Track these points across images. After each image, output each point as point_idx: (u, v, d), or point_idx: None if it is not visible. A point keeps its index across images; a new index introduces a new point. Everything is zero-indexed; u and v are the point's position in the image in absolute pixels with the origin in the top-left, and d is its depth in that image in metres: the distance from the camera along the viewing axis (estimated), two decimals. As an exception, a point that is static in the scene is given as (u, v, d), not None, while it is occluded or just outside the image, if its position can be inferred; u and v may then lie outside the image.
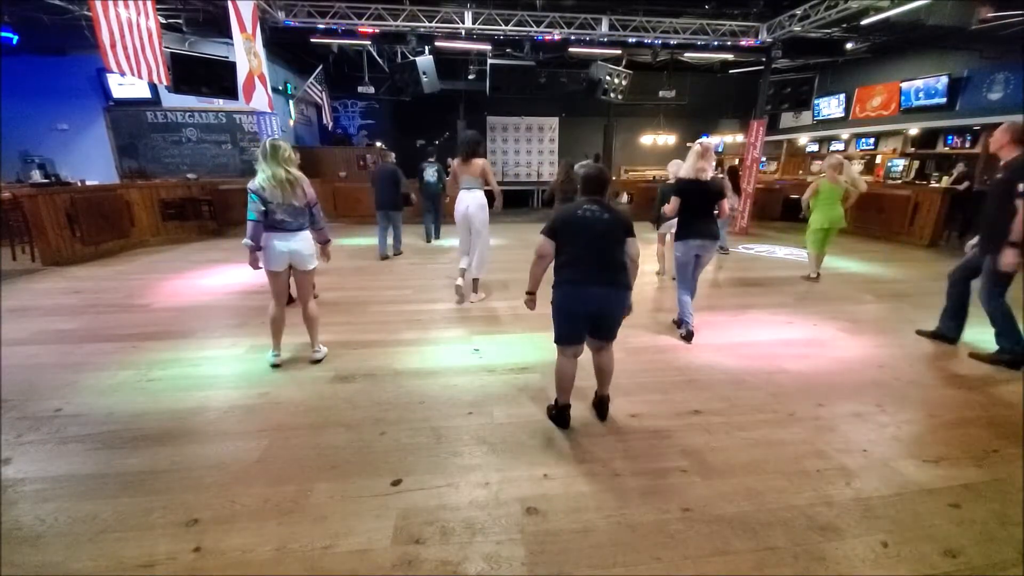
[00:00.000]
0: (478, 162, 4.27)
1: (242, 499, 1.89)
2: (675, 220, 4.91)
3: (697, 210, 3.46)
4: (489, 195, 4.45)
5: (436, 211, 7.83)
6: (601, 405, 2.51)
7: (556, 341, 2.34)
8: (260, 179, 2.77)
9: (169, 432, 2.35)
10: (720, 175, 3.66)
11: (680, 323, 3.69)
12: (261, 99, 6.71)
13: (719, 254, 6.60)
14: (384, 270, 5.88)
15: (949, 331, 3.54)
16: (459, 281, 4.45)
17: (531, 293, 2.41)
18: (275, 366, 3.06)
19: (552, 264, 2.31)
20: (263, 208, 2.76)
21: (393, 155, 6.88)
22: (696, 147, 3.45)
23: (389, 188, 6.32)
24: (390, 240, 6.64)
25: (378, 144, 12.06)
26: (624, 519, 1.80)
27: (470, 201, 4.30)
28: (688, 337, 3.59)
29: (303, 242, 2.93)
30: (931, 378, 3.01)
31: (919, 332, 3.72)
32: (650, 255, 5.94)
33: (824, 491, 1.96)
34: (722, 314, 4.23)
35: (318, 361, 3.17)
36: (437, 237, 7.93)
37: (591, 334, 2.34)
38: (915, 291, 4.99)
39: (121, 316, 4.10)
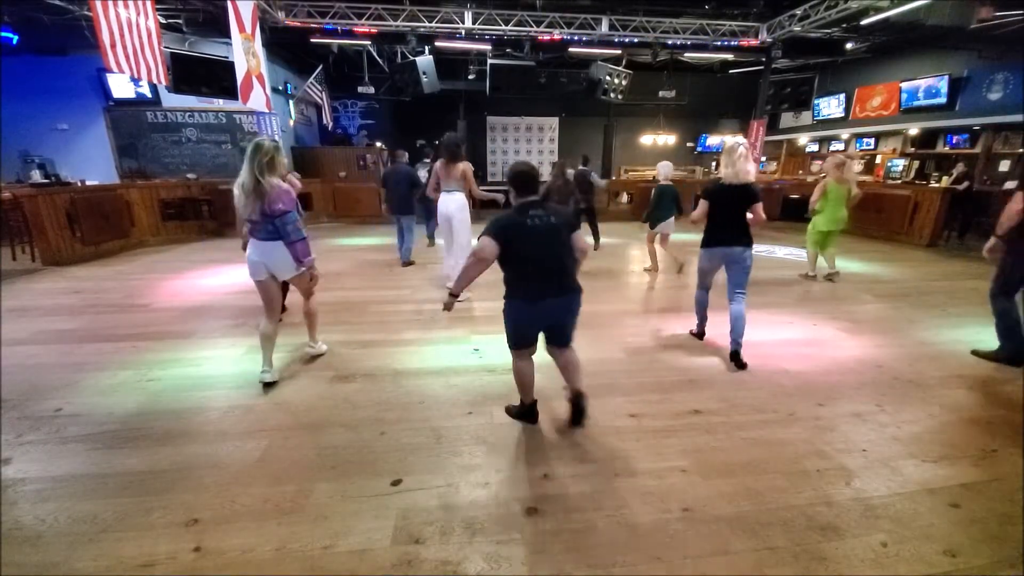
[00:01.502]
0: (460, 165, 4.29)
1: (242, 499, 1.89)
2: (670, 221, 5.10)
3: (724, 215, 3.11)
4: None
5: (431, 212, 7.24)
6: (578, 403, 2.31)
7: (512, 347, 2.27)
8: (236, 182, 2.63)
9: (169, 432, 2.35)
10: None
11: (699, 333, 3.63)
12: (259, 99, 6.72)
13: None
14: (384, 270, 5.88)
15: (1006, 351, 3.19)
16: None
17: (455, 296, 2.24)
18: (268, 384, 2.78)
19: (492, 271, 2.15)
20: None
21: (406, 155, 6.55)
22: (741, 149, 3.01)
23: (401, 190, 5.96)
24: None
25: (378, 144, 12.06)
26: (624, 519, 1.80)
27: (450, 203, 4.36)
28: (699, 336, 3.63)
29: (278, 251, 2.68)
30: (931, 378, 3.01)
31: (975, 352, 3.33)
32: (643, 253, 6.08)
33: (824, 491, 1.96)
34: (722, 314, 4.22)
35: (316, 356, 3.18)
36: (431, 239, 7.60)
37: (549, 341, 2.31)
38: (915, 291, 4.99)
39: (121, 316, 4.10)
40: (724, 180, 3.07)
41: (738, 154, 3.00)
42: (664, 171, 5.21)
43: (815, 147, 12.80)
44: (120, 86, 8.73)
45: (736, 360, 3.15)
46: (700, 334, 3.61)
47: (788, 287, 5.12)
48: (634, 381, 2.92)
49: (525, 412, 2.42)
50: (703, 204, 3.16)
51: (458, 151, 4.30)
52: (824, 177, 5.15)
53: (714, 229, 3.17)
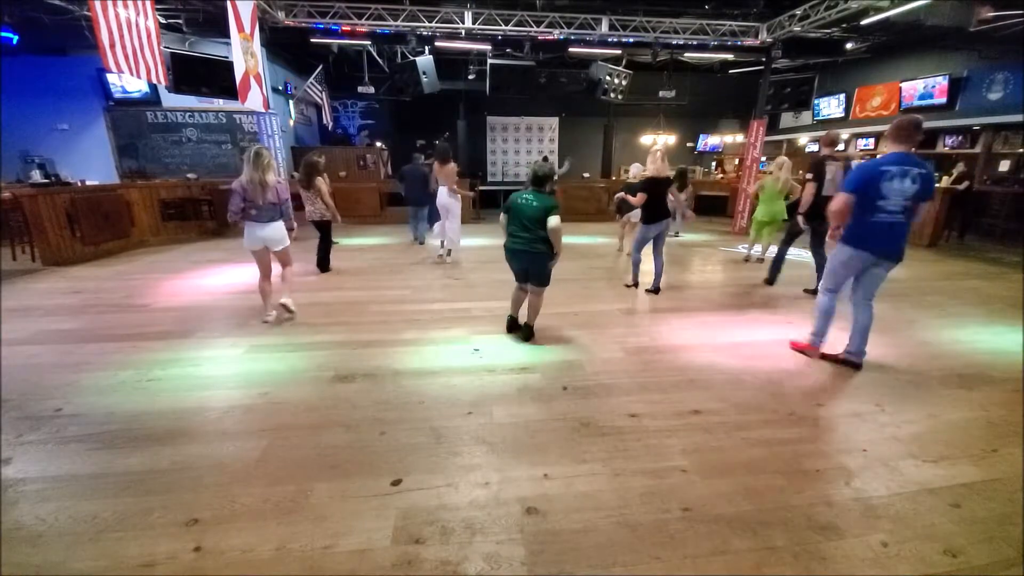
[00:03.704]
0: (451, 167, 5.78)
1: (242, 499, 1.89)
2: (637, 210, 5.82)
3: (656, 200, 4.43)
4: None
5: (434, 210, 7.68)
6: (526, 328, 3.52)
7: (515, 276, 3.47)
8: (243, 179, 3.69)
9: (169, 432, 2.35)
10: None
11: (635, 284, 4.95)
12: (256, 99, 6.71)
13: (672, 236, 8.05)
14: (385, 270, 5.89)
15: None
16: (438, 255, 6.33)
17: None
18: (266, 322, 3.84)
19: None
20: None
21: (422, 156, 7.61)
22: (658, 152, 4.49)
23: (417, 186, 7.07)
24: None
25: (378, 144, 12.06)
26: (624, 519, 1.80)
27: (443, 194, 5.89)
28: (635, 285, 4.91)
29: (278, 229, 3.79)
30: (931, 378, 3.01)
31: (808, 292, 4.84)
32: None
33: (824, 491, 1.96)
34: (722, 314, 4.23)
35: (289, 313, 3.98)
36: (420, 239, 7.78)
37: (526, 280, 3.38)
38: (915, 291, 4.99)
39: (121, 316, 4.10)
40: (651, 175, 4.44)
41: (658, 156, 4.45)
42: (635, 170, 6.32)
43: (815, 147, 12.79)
44: (118, 86, 8.74)
45: (655, 291, 4.74)
46: (635, 283, 4.95)
47: (787, 287, 5.11)
48: (634, 381, 2.92)
49: (509, 321, 3.63)
50: (642, 194, 4.45)
51: (448, 156, 5.81)
52: (769, 174, 5.87)
53: (652, 210, 4.47)
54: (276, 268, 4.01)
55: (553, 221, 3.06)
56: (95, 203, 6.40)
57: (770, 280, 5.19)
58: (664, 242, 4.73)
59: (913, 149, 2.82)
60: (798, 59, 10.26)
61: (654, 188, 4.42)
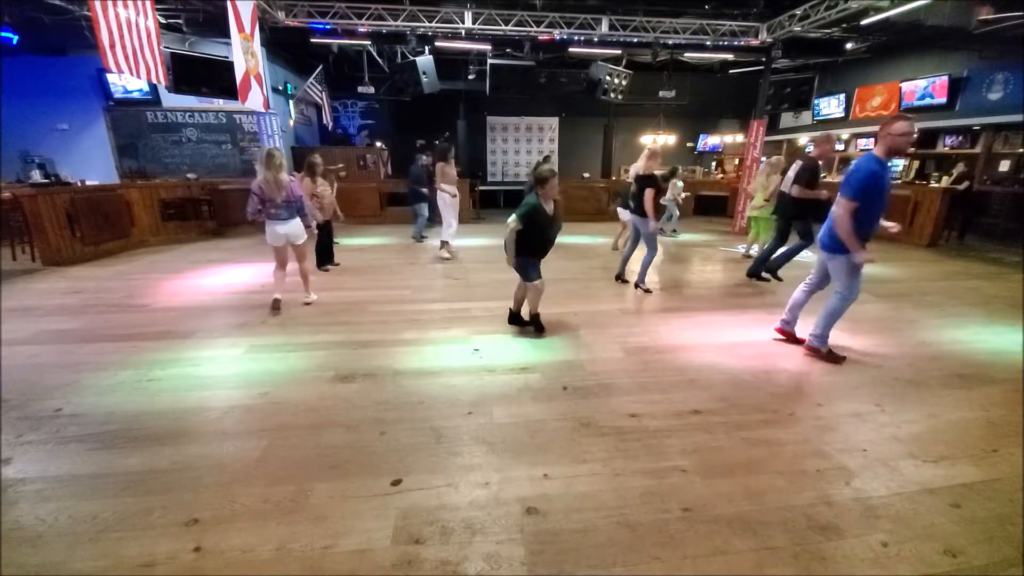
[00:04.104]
0: (439, 166, 6.21)
1: (242, 499, 1.89)
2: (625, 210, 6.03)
3: (635, 194, 4.73)
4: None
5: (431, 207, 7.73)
6: (531, 320, 3.70)
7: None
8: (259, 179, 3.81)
9: (169, 432, 2.35)
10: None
11: (616, 275, 5.26)
12: (256, 99, 6.71)
13: (670, 236, 8.37)
14: (384, 270, 5.89)
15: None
16: (444, 251, 6.52)
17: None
18: (277, 303, 4.13)
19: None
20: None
21: (423, 157, 7.76)
22: (646, 151, 4.71)
23: (411, 185, 7.55)
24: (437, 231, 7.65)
25: (378, 144, 12.06)
26: (624, 519, 1.80)
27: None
28: (619, 278, 5.22)
29: (297, 225, 4.08)
30: (931, 378, 3.01)
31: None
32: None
33: (824, 491, 1.96)
34: (722, 314, 4.23)
35: (308, 303, 4.35)
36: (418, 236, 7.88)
37: None
38: (915, 291, 4.99)
39: (121, 316, 4.10)
40: (634, 171, 4.88)
41: (645, 153, 4.68)
42: (634, 170, 6.60)
43: (811, 147, 12.78)
44: (119, 86, 8.74)
45: (637, 287, 4.90)
46: (616, 275, 5.25)
47: (787, 287, 5.11)
48: (634, 381, 2.92)
49: (509, 314, 3.84)
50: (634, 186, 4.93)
51: (446, 156, 6.21)
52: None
53: (631, 202, 4.84)
54: (290, 266, 4.26)
55: (509, 219, 3.27)
56: (95, 203, 6.40)
57: (750, 272, 5.42)
58: (645, 239, 4.80)
59: (911, 148, 2.89)
60: (798, 59, 10.26)
61: (637, 181, 4.81)
